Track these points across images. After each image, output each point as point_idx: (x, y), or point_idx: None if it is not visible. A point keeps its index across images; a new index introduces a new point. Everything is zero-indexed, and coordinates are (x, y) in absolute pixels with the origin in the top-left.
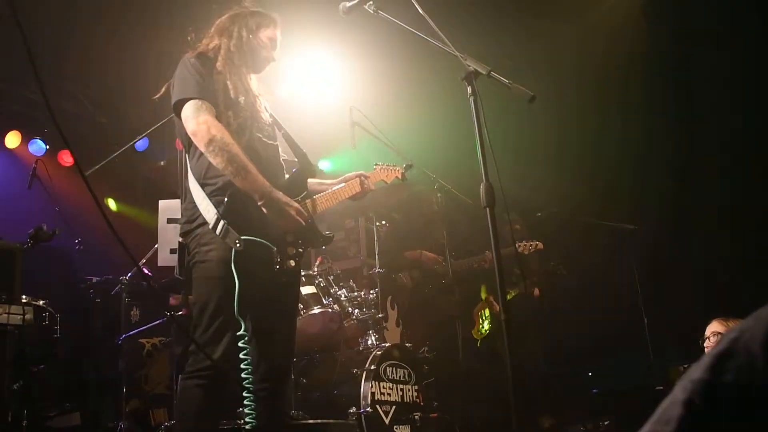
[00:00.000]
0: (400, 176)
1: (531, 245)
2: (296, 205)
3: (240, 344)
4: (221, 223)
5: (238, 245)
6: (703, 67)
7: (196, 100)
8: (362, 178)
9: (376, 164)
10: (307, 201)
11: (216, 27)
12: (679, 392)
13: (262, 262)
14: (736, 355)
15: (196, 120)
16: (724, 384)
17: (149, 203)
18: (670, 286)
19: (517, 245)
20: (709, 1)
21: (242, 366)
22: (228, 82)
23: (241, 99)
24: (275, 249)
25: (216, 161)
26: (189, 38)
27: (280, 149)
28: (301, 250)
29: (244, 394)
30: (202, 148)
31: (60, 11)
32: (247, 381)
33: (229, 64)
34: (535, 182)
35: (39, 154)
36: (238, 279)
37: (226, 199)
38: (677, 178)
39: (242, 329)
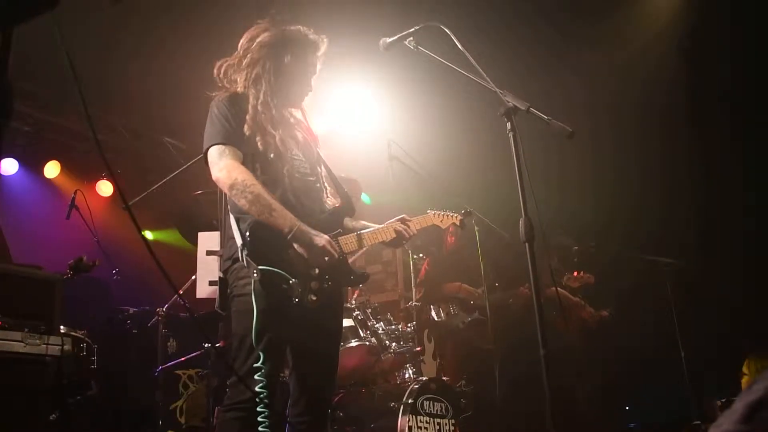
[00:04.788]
0: (458, 222)
1: (582, 277)
2: (326, 237)
3: (256, 377)
4: (244, 253)
5: (255, 275)
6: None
7: (219, 146)
8: (400, 222)
9: (429, 210)
10: (340, 238)
11: (247, 56)
12: None
13: (284, 294)
14: None
15: (218, 165)
16: None
17: (187, 233)
18: (708, 319)
19: (566, 277)
20: (738, 37)
21: (257, 399)
22: (257, 137)
23: (271, 155)
24: (293, 281)
25: (241, 203)
26: (215, 73)
27: (322, 180)
28: (326, 285)
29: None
30: (225, 191)
31: (100, 43)
32: (262, 415)
33: (265, 110)
34: (570, 213)
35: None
36: (256, 310)
37: (248, 232)
38: (717, 211)
39: (260, 361)
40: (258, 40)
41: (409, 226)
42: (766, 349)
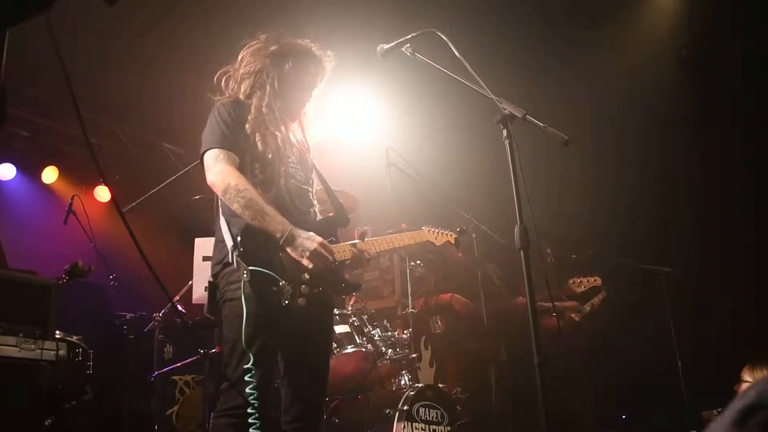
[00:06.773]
0: (453, 241)
1: (587, 281)
2: (319, 239)
3: (246, 378)
4: (234, 254)
5: (245, 276)
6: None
7: (216, 150)
8: (360, 241)
9: (423, 227)
10: (333, 246)
11: (250, 66)
12: None
13: (273, 297)
14: (761, 410)
15: (213, 170)
16: None
17: (183, 239)
18: (705, 329)
19: (571, 281)
20: (739, 43)
21: (249, 404)
22: (257, 136)
23: (269, 155)
24: (282, 283)
25: (234, 207)
26: (216, 80)
27: (314, 190)
28: (316, 291)
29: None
30: (219, 196)
31: (97, 48)
32: (253, 417)
33: (267, 113)
34: (569, 220)
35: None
36: (246, 313)
37: (239, 234)
38: (717, 220)
39: (250, 362)
40: (261, 50)
41: (363, 246)
42: (764, 358)
